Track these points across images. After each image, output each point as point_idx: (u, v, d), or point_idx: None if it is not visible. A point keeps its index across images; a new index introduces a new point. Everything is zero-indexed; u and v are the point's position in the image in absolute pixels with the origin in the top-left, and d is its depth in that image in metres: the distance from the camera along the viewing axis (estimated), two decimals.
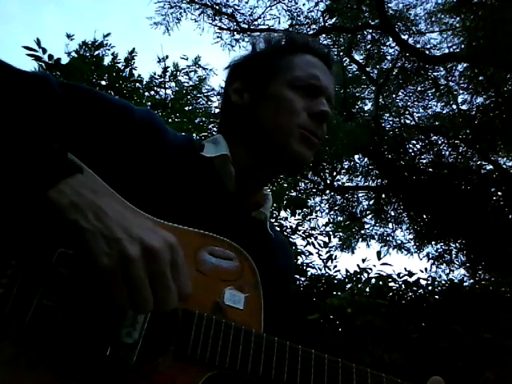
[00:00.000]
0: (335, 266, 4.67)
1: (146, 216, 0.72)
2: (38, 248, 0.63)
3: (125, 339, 0.63)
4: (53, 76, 0.80)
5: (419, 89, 8.74)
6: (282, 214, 4.99)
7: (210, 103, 7.44)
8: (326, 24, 7.93)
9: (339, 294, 4.10)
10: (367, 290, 4.24)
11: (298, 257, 4.71)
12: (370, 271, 4.31)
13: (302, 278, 4.54)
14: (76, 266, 0.63)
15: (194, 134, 4.77)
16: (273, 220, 4.89)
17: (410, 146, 8.33)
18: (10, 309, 0.59)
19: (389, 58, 8.53)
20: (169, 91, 6.11)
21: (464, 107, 8.41)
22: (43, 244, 0.64)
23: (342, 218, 8.85)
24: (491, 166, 7.97)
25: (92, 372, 0.61)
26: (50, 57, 3.94)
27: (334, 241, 7.41)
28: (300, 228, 4.98)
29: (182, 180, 0.87)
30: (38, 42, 3.81)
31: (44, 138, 0.62)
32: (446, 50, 8.02)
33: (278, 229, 4.81)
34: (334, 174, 8.74)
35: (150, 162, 0.84)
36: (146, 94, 5.74)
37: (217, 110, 6.97)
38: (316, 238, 4.89)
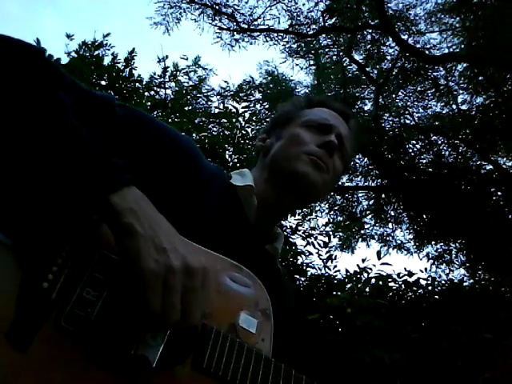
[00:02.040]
0: (335, 266, 4.67)
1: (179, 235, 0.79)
2: (84, 245, 0.70)
3: (149, 341, 0.67)
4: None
5: (419, 89, 8.73)
6: None
7: (209, 103, 7.44)
8: (326, 24, 7.92)
9: (339, 294, 4.10)
10: (367, 290, 4.24)
11: (298, 257, 4.71)
12: (369, 271, 4.31)
13: (302, 278, 4.54)
14: (112, 269, 0.70)
15: (194, 134, 4.76)
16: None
17: (410, 146, 8.33)
18: (57, 294, 0.65)
19: (389, 58, 8.53)
20: (169, 91, 6.11)
21: (464, 107, 8.41)
22: (89, 242, 0.70)
23: (341, 218, 8.85)
24: (491, 166, 7.97)
25: (117, 366, 0.65)
26: (50, 57, 3.94)
27: (334, 241, 7.42)
28: (300, 228, 4.98)
29: (209, 205, 0.94)
30: (38, 42, 3.81)
31: (109, 151, 0.71)
32: (446, 50, 8.02)
33: (278, 229, 4.80)
34: None
35: (186, 186, 0.92)
36: (146, 93, 5.74)
37: (217, 110, 6.97)
38: (316, 238, 4.89)
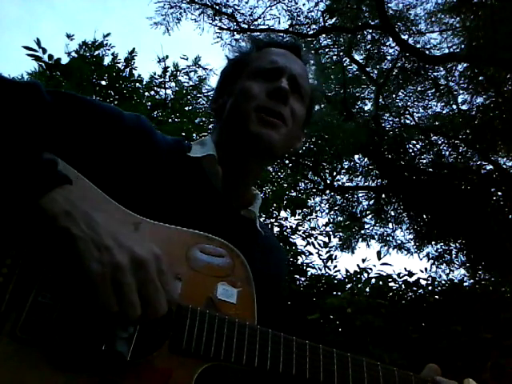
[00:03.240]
0: (335, 266, 4.67)
1: (138, 217, 0.74)
2: (32, 247, 0.65)
3: (120, 333, 0.64)
4: (43, 84, 0.81)
5: (419, 89, 8.73)
6: (282, 213, 4.99)
7: (209, 103, 7.43)
8: (326, 24, 7.93)
9: (339, 294, 4.10)
10: (367, 290, 4.24)
11: (298, 257, 4.71)
12: (370, 271, 4.31)
13: (302, 278, 4.53)
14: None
15: (194, 134, 4.76)
16: (273, 220, 4.88)
17: (410, 146, 8.33)
18: (6, 306, 0.61)
19: (389, 58, 8.53)
20: (169, 91, 6.10)
21: (464, 107, 8.41)
22: (37, 244, 0.65)
23: (341, 218, 8.85)
24: (491, 166, 7.97)
25: (88, 366, 0.62)
26: (50, 57, 3.94)
27: (334, 241, 7.42)
28: (300, 228, 4.98)
29: (171, 181, 0.90)
30: (38, 42, 3.80)
31: (35, 148, 0.65)
32: (446, 50, 8.01)
33: (278, 229, 4.81)
34: (334, 174, 8.74)
35: (140, 164, 0.86)
36: (146, 93, 5.73)
37: None
38: (316, 238, 4.89)
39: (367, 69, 8.69)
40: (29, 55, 3.76)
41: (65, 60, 4.33)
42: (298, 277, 4.49)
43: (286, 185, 5.36)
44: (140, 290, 0.60)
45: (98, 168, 0.75)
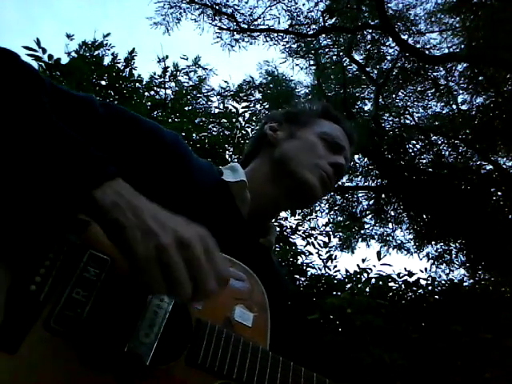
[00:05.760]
0: (335, 266, 4.67)
1: None
2: (72, 245, 0.69)
3: (142, 339, 0.67)
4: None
5: (419, 89, 8.74)
6: (282, 213, 4.99)
7: (209, 103, 7.44)
8: (326, 24, 7.93)
9: (339, 294, 4.10)
10: (367, 290, 4.24)
11: (298, 257, 4.72)
12: (369, 271, 4.31)
13: (302, 278, 4.54)
14: (102, 268, 0.70)
15: (194, 134, 4.76)
16: (273, 220, 4.89)
17: (410, 146, 8.33)
18: (44, 297, 0.64)
19: (389, 58, 8.54)
20: (169, 91, 6.11)
21: (464, 107, 8.42)
22: (77, 243, 0.70)
23: (341, 218, 8.86)
24: (491, 166, 7.97)
25: (110, 365, 0.65)
26: (50, 57, 3.94)
27: (334, 241, 7.44)
28: (300, 228, 4.99)
29: (202, 201, 0.94)
30: (38, 42, 3.81)
31: (91, 146, 0.70)
32: (446, 50, 8.02)
33: (278, 229, 4.81)
34: None
35: (176, 182, 0.92)
36: (146, 93, 5.74)
37: (217, 110, 6.97)
38: (316, 238, 4.90)
39: (367, 69, 8.69)
40: (29, 55, 3.77)
41: (65, 60, 4.33)
42: (297, 277, 4.49)
43: None
44: (188, 269, 0.62)
45: (134, 181, 0.77)
